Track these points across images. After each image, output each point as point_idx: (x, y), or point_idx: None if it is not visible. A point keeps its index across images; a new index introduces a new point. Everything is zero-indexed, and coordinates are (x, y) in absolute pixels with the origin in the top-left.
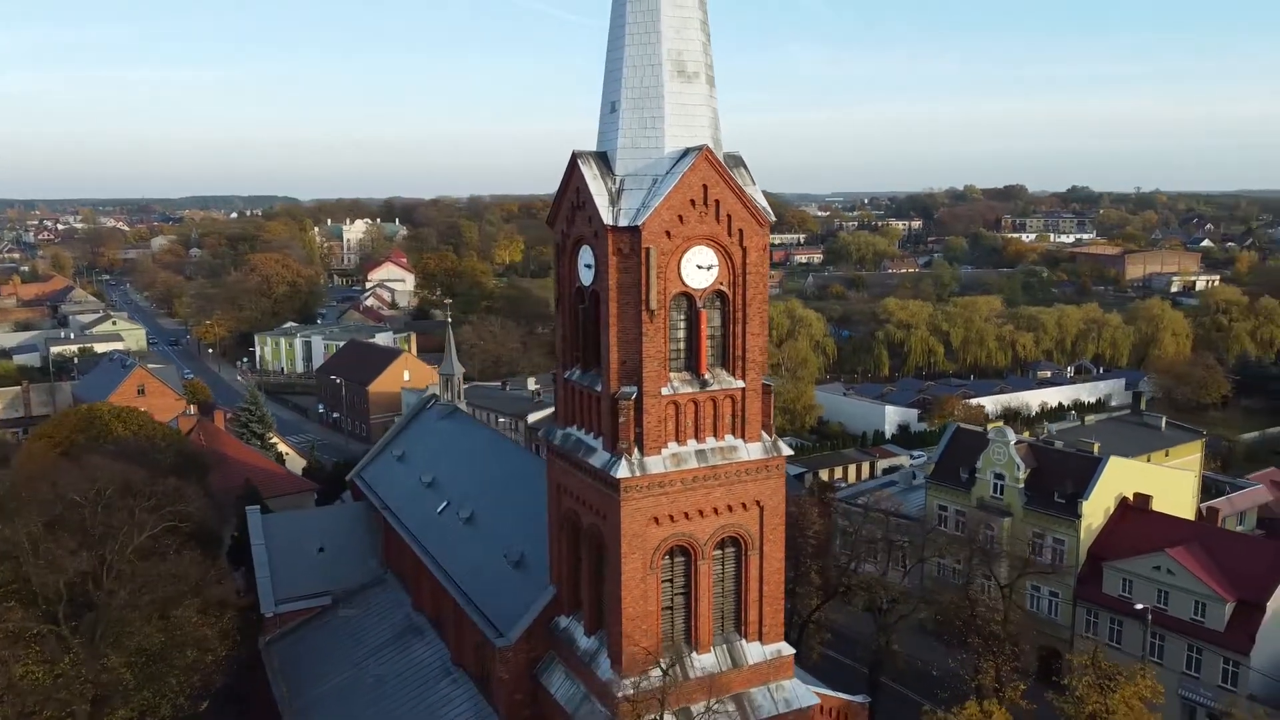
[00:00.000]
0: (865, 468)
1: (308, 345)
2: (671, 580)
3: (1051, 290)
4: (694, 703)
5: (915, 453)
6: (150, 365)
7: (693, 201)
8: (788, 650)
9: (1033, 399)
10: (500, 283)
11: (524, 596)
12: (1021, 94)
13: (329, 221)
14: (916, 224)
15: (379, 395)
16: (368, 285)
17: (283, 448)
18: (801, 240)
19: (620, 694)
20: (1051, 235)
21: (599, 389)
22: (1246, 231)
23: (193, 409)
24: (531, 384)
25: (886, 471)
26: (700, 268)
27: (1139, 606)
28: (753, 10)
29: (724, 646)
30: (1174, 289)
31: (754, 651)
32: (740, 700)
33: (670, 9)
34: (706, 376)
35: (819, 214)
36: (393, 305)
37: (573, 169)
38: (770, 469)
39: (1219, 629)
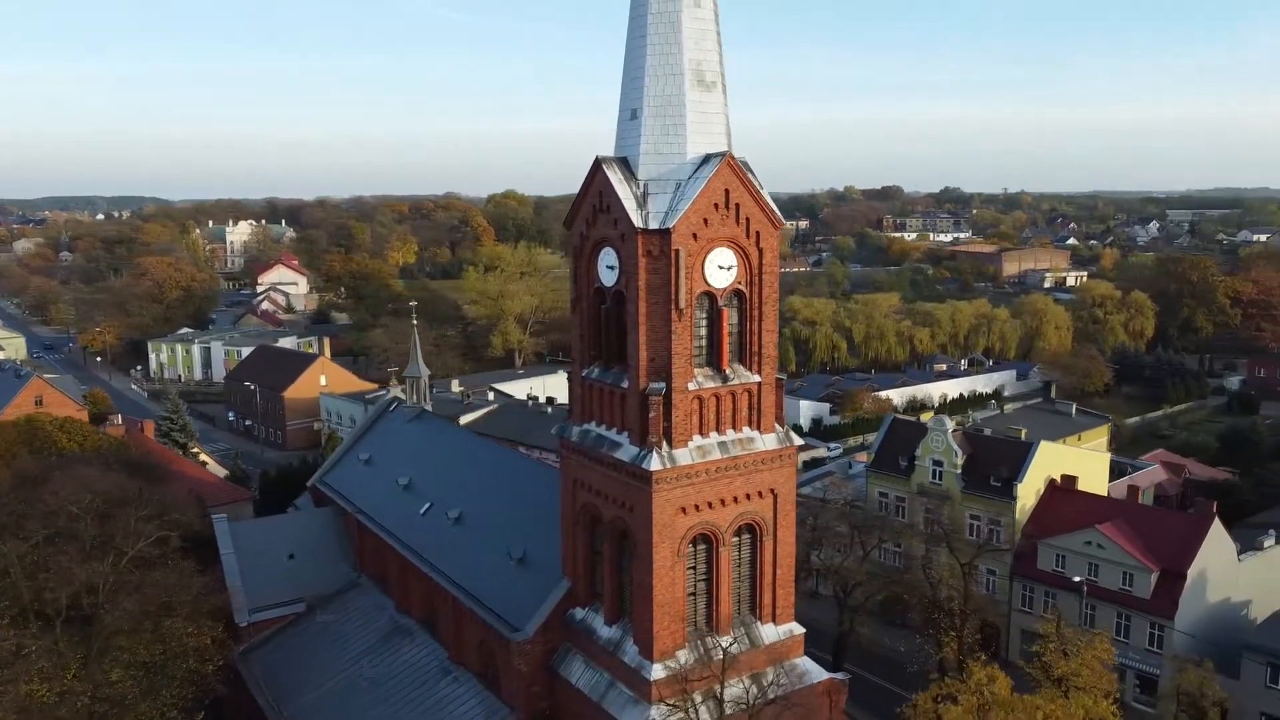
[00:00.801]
0: None
1: (206, 351)
2: (695, 567)
3: (936, 287)
4: (717, 683)
5: (831, 445)
6: (45, 375)
7: (716, 205)
8: (799, 630)
9: (934, 390)
10: (406, 285)
11: (532, 591)
12: (894, 98)
13: (210, 223)
14: (803, 224)
15: (295, 401)
16: (259, 289)
17: (203, 457)
18: None
19: (653, 678)
20: (931, 234)
21: (625, 385)
22: (1106, 230)
23: (119, 418)
24: (456, 386)
25: (808, 465)
26: (722, 268)
27: (1076, 579)
28: (616, 13)
29: (742, 629)
30: (1047, 285)
31: (769, 632)
32: (759, 679)
33: (690, 21)
34: (727, 372)
35: None
36: (289, 309)
37: (596, 173)
38: (783, 458)
39: (1145, 596)
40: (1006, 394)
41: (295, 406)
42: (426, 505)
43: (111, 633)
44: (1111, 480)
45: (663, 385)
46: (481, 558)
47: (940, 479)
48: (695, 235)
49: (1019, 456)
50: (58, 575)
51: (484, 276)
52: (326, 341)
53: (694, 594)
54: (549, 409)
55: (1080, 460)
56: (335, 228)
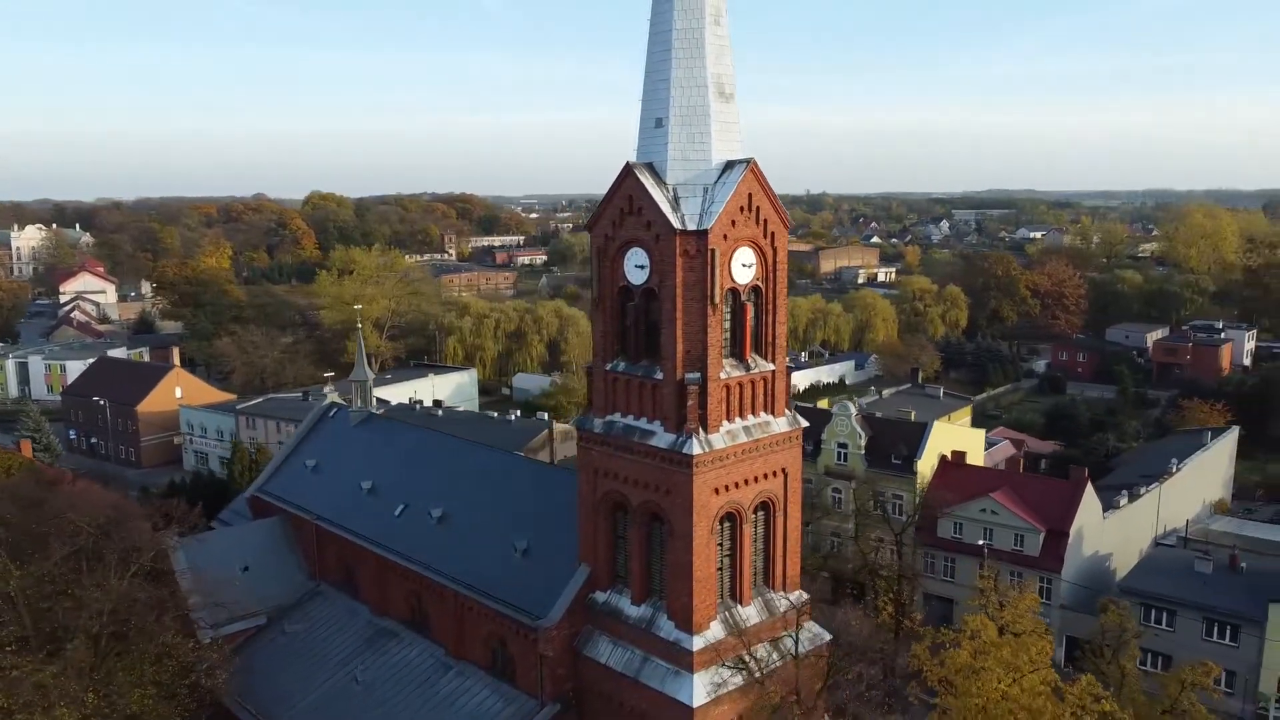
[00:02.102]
0: None
1: (23, 367)
2: (722, 544)
3: None
4: (743, 650)
5: None
6: None
7: (742, 208)
8: (805, 596)
9: None
10: (249, 290)
11: (543, 581)
12: None
13: None
14: None
15: (150, 415)
16: (64, 298)
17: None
18: (520, 242)
19: (695, 649)
20: None
21: (659, 377)
22: (904, 229)
23: None
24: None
25: None
26: (744, 265)
27: (981, 543)
28: (436, 14)
29: (760, 599)
30: (861, 280)
31: (782, 601)
32: (777, 644)
33: (712, 37)
34: (749, 361)
35: (531, 216)
36: (103, 319)
37: (625, 177)
38: (792, 439)
39: (1035, 554)
40: (849, 382)
41: (151, 421)
42: (401, 507)
43: (118, 652)
44: None
45: (698, 375)
46: (481, 553)
47: (846, 460)
48: (726, 236)
49: (916, 436)
50: (93, 593)
51: (339, 280)
52: (176, 351)
53: (721, 569)
54: (439, 411)
55: (964, 437)
56: (139, 231)
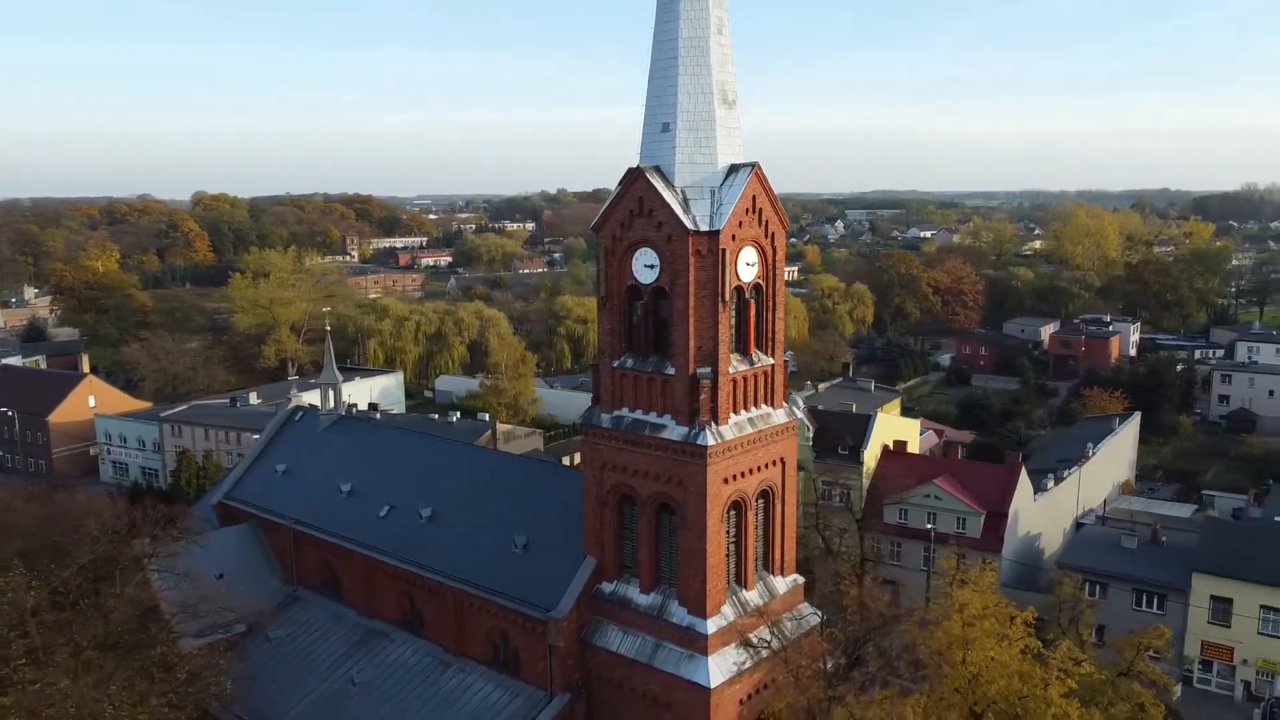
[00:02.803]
0: None
1: None
2: (729, 531)
3: None
4: (749, 631)
5: None
6: None
7: (747, 209)
8: (800, 579)
9: None
10: (156, 295)
11: (546, 574)
12: (598, 103)
13: None
14: (530, 225)
15: (63, 426)
16: None
17: None
18: (423, 243)
19: (709, 633)
20: None
21: (670, 372)
22: (801, 229)
23: None
24: (254, 399)
25: None
26: (748, 264)
27: (928, 527)
28: (339, 8)
29: (761, 583)
30: None
31: (780, 584)
32: (777, 625)
33: (716, 47)
34: (753, 356)
35: (431, 217)
36: None
37: (635, 180)
38: (790, 430)
39: (976, 536)
40: None
41: (63, 431)
42: (386, 508)
43: (126, 660)
44: None
45: (709, 370)
46: (478, 550)
47: None
48: (734, 236)
49: (860, 427)
50: (109, 602)
51: (254, 283)
52: (85, 358)
53: (728, 555)
54: (377, 415)
55: (903, 427)
56: (15, 234)
